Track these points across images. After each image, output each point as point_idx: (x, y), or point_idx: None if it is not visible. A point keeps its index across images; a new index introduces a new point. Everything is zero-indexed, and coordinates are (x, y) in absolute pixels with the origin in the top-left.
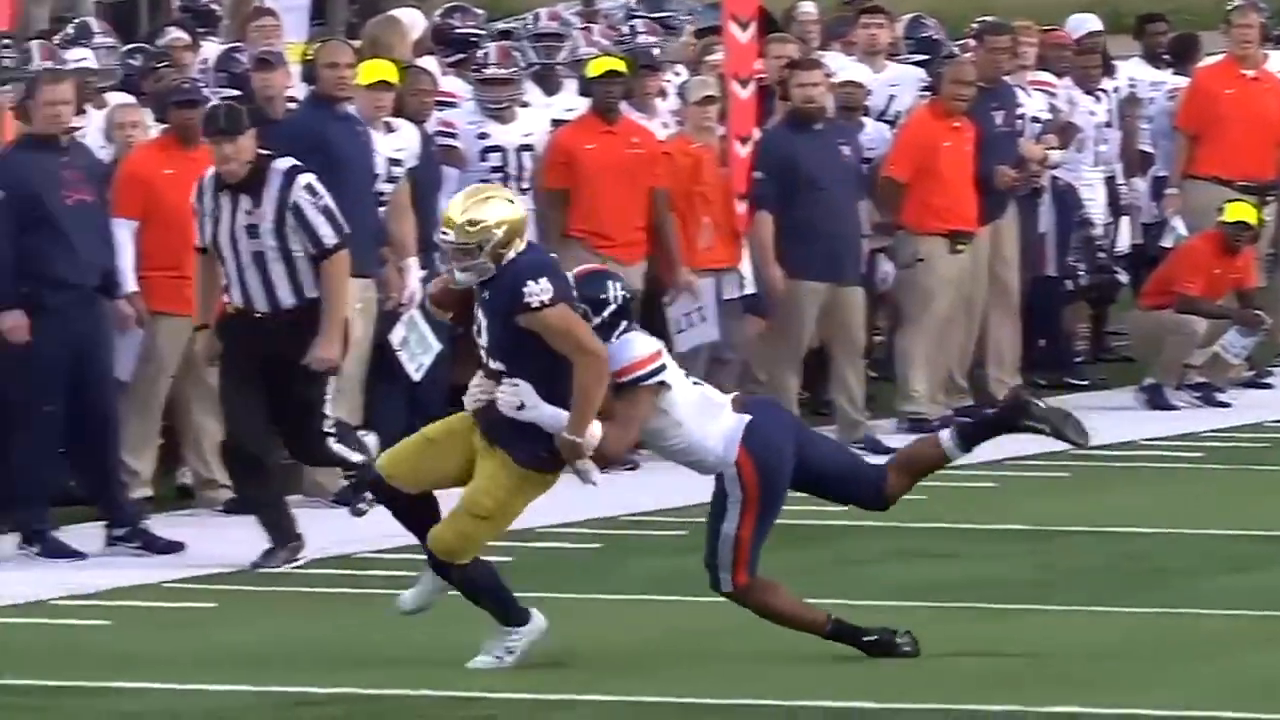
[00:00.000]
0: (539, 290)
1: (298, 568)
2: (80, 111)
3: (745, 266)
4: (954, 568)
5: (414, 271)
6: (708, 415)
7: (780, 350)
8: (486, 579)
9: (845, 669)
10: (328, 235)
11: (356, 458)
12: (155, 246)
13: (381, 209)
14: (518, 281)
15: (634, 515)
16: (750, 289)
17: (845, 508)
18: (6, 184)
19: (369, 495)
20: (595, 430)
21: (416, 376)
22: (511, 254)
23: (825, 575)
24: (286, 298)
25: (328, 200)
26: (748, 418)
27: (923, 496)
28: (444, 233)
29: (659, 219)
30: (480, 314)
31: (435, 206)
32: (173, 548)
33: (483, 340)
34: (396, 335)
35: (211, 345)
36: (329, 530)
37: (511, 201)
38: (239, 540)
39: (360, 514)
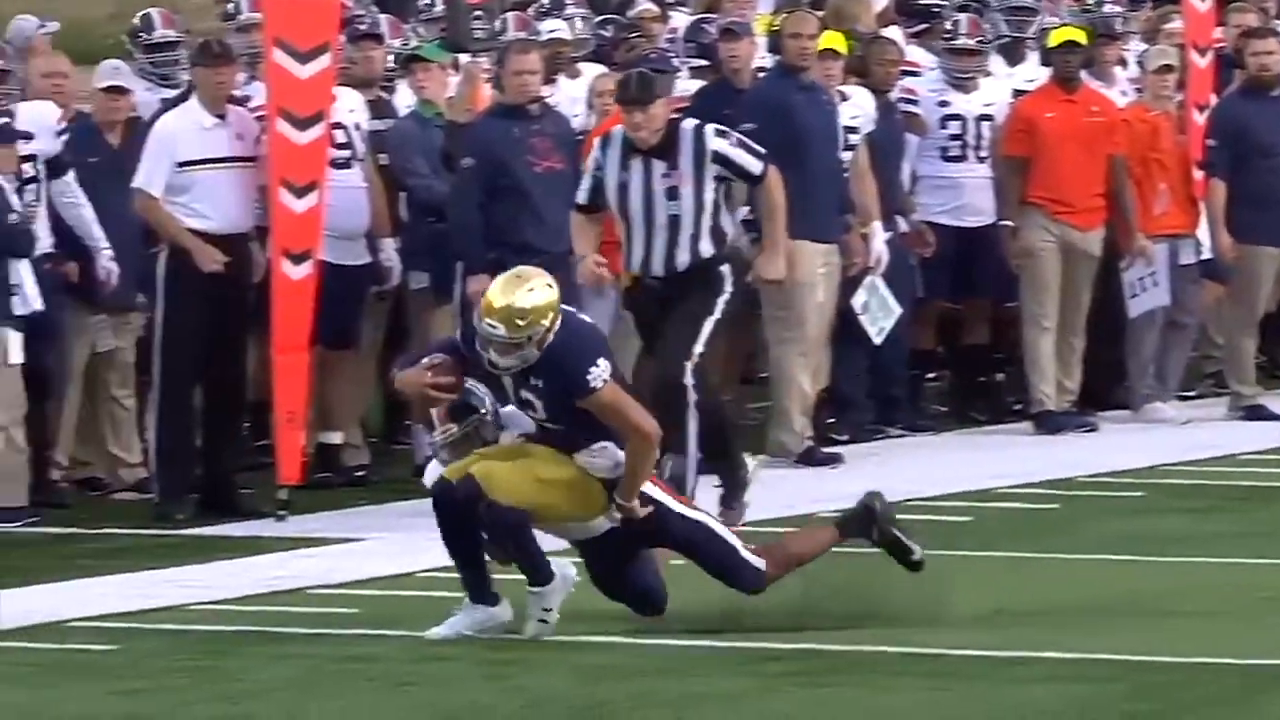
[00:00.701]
0: (600, 373)
1: None
2: (550, 81)
3: (1203, 232)
4: None
5: (878, 236)
6: None
7: (1237, 315)
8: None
9: None
10: (754, 165)
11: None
12: None
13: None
14: (576, 365)
15: (1091, 476)
16: (1207, 254)
17: None
18: (476, 151)
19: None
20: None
21: (877, 340)
22: (552, 336)
23: None
24: (684, 261)
25: (735, 134)
26: None
27: None
28: (491, 325)
29: (1117, 185)
30: (516, 389)
31: (896, 171)
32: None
33: (534, 413)
34: (858, 299)
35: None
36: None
37: (550, 285)
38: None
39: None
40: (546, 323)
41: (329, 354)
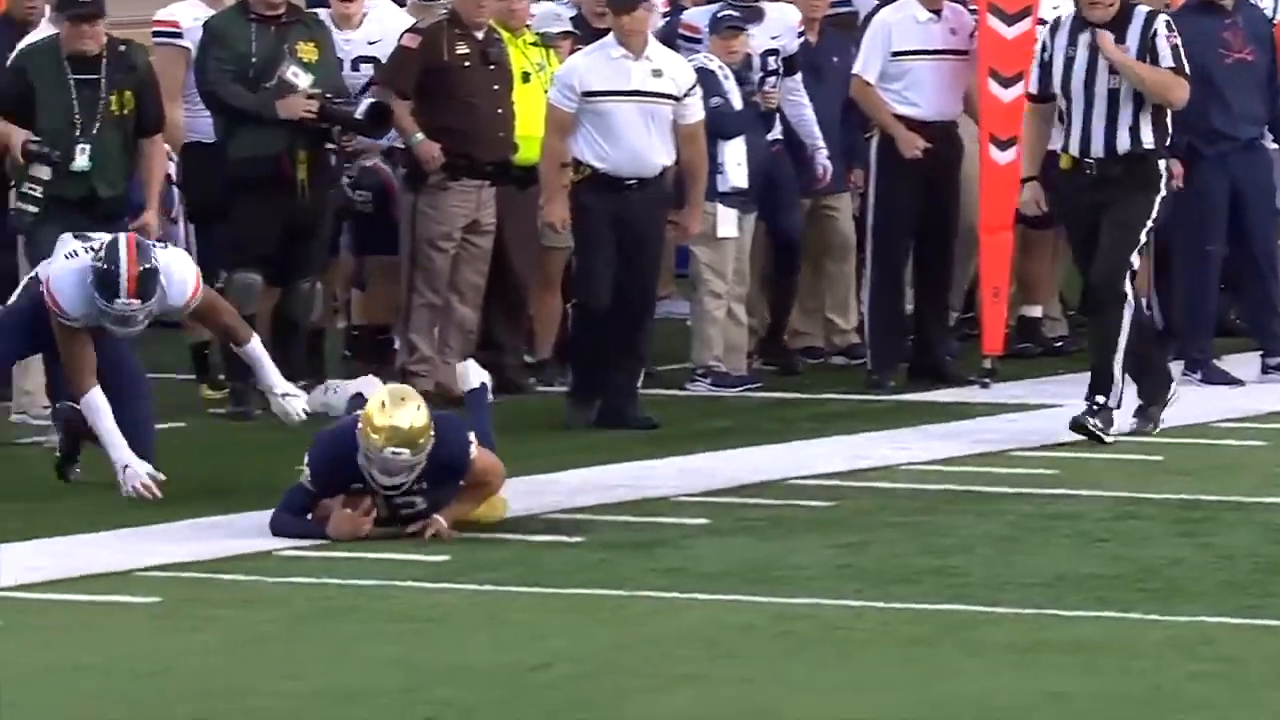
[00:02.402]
0: (470, 442)
1: None
2: None
3: None
4: None
5: None
6: None
7: None
8: None
9: None
10: (1181, 67)
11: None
12: None
13: None
14: (458, 454)
15: None
16: None
17: None
18: None
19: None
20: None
21: None
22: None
23: None
24: (1124, 143)
25: (1178, 40)
26: None
27: None
28: (395, 452)
29: None
30: (392, 499)
31: None
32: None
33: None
34: None
35: (1038, 195)
36: None
37: (412, 392)
38: None
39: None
40: (433, 431)
41: (1030, 233)
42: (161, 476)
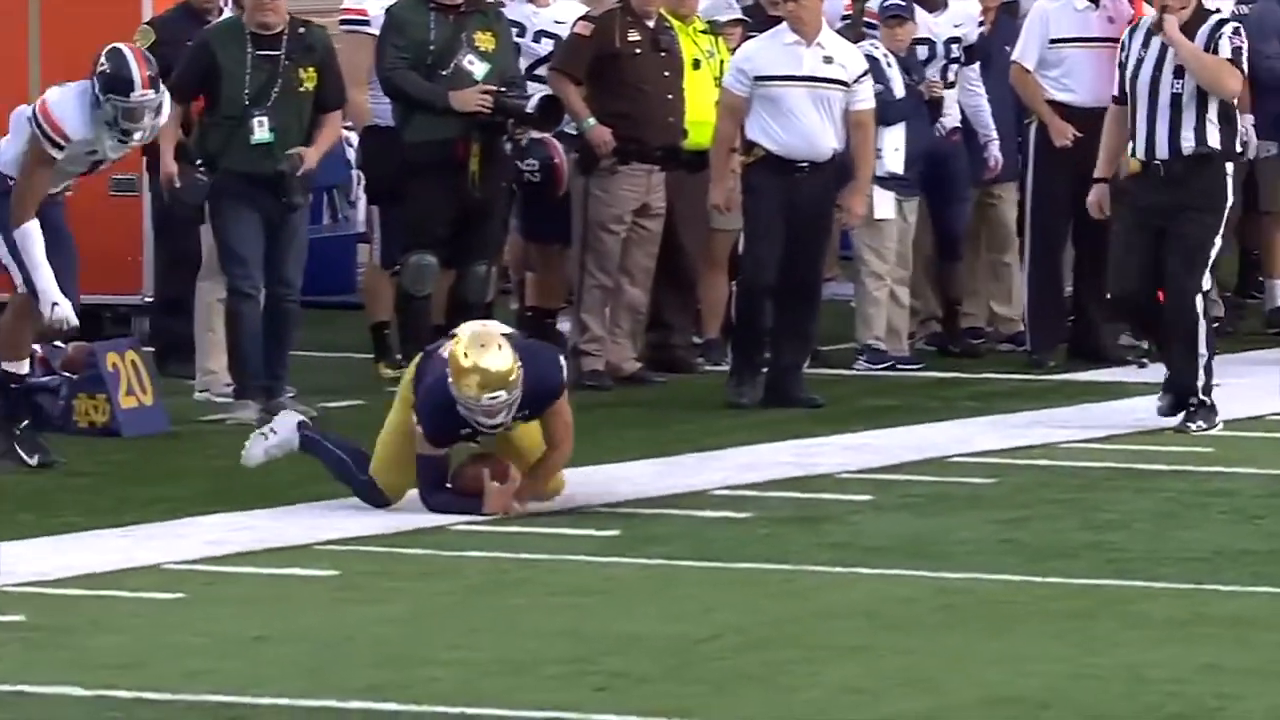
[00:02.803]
0: (562, 367)
1: None
2: None
3: None
4: None
5: None
6: None
7: None
8: None
9: None
10: (1239, 63)
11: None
12: None
13: None
14: (551, 377)
15: None
16: None
17: None
18: None
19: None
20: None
21: None
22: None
23: None
24: (1188, 143)
25: (1242, 43)
26: None
27: None
28: (492, 397)
29: None
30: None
31: None
32: None
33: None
34: None
35: (1103, 198)
36: None
37: (488, 321)
38: None
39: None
40: (519, 366)
41: None
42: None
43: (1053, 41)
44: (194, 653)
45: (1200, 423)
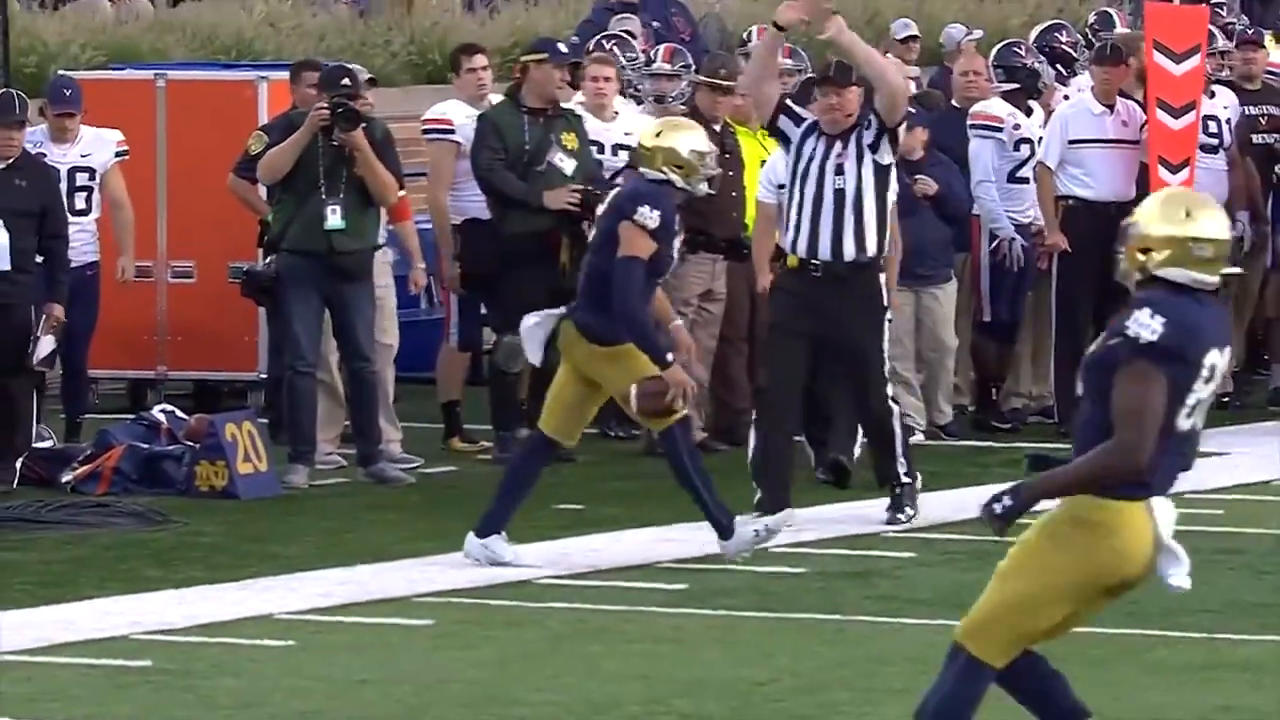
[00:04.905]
0: None
1: None
2: None
3: None
4: None
5: None
6: None
7: None
8: None
9: None
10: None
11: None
12: None
13: None
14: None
15: None
16: None
17: None
18: None
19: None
20: None
21: None
22: None
23: None
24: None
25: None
26: None
27: None
28: (708, 166)
29: None
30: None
31: None
32: None
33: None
34: None
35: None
36: None
37: None
38: None
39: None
40: None
41: None
42: None
43: (1072, 142)
44: (305, 695)
45: (907, 510)
